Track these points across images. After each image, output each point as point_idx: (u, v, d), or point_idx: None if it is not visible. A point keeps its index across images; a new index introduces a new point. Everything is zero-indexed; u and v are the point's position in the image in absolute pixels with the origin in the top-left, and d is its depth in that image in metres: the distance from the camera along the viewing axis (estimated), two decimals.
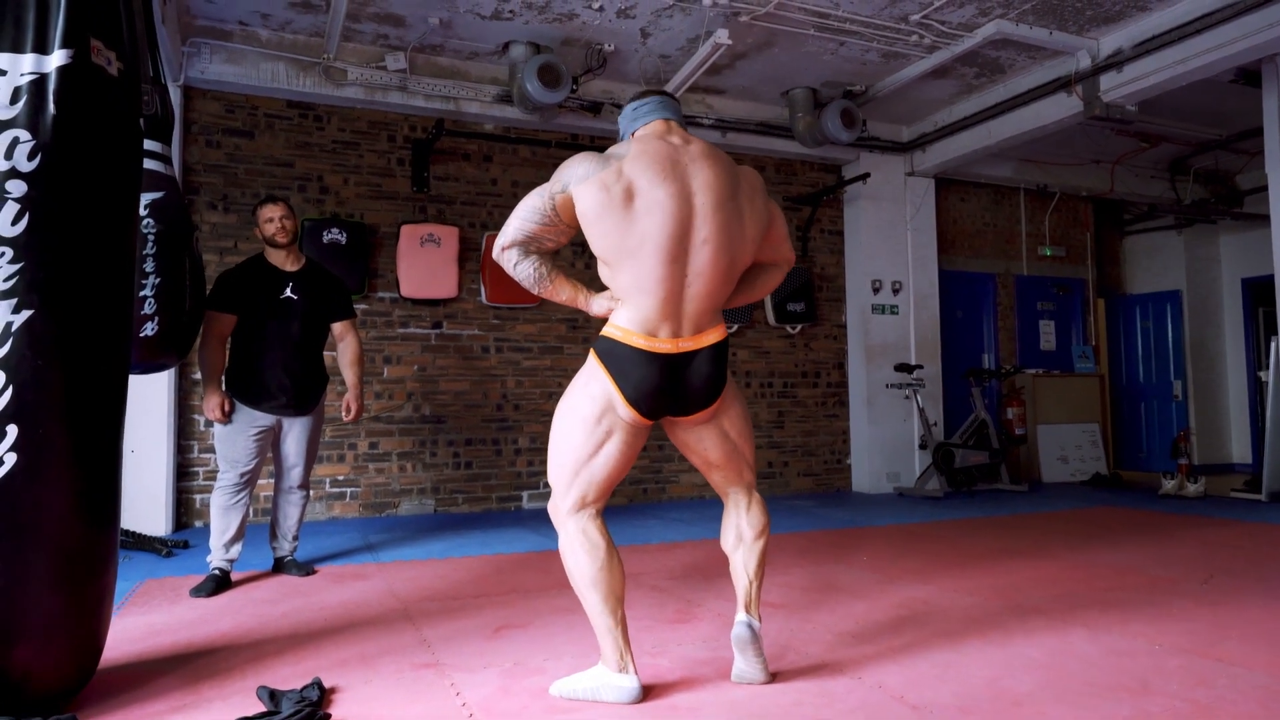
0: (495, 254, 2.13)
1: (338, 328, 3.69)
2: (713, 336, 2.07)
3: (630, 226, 1.98)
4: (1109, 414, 8.31)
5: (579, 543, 2.06)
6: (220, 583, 3.34)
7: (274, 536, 3.68)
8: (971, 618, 2.77)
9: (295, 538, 3.68)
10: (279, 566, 3.67)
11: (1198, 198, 8.21)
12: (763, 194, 2.17)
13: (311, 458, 3.66)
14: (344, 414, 3.70)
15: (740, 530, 2.21)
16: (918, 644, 2.48)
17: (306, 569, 3.65)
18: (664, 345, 2.01)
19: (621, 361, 2.02)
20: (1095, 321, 8.53)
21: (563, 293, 2.15)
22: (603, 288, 2.17)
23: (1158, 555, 3.85)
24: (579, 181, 2.01)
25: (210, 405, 3.40)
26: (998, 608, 2.90)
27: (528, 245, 2.09)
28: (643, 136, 2.10)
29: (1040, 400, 7.68)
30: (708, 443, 2.17)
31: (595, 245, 2.04)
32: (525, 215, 2.08)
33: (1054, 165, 7.73)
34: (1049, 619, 2.74)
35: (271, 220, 3.50)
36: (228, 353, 3.53)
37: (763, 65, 5.81)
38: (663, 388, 2.03)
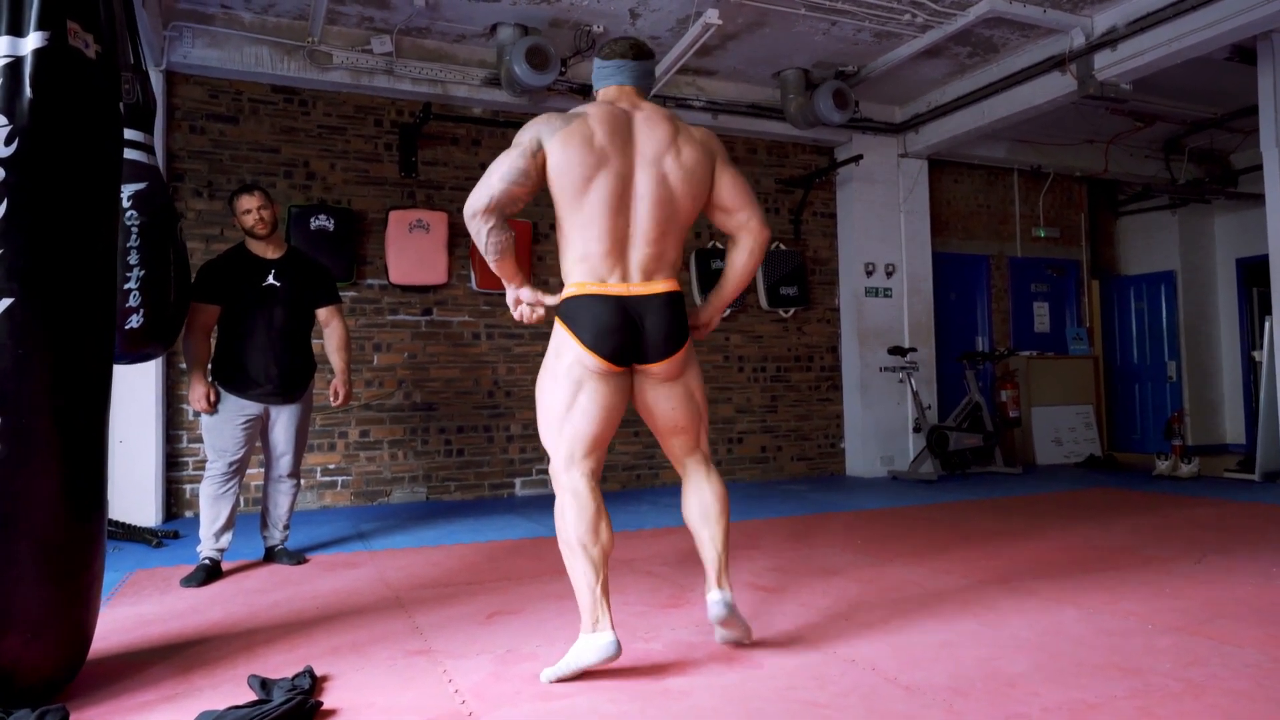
0: (473, 216, 2.12)
1: (323, 314, 3.66)
2: (663, 285, 2.17)
3: (584, 179, 2.10)
4: (1103, 396, 8.32)
5: (569, 502, 2.11)
6: (210, 572, 3.32)
7: (264, 526, 3.66)
8: (965, 599, 2.77)
9: (286, 527, 3.66)
10: (270, 556, 3.65)
11: (1192, 177, 8.19)
12: (706, 153, 2.23)
13: (301, 446, 3.64)
14: (331, 399, 3.67)
15: (705, 505, 2.25)
16: (911, 626, 2.48)
17: (298, 558, 3.64)
18: (615, 288, 2.12)
19: (578, 311, 2.12)
20: (1089, 303, 8.53)
21: (508, 269, 2.23)
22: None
23: (1151, 536, 3.86)
24: (550, 135, 2.12)
25: (196, 395, 3.37)
26: (991, 589, 2.90)
27: (505, 208, 2.13)
28: (599, 102, 2.24)
29: (1034, 382, 7.68)
30: (675, 401, 2.23)
31: (556, 193, 2.15)
32: (508, 176, 2.11)
33: (1048, 146, 7.70)
34: (1042, 600, 2.74)
35: (249, 211, 3.45)
36: (213, 342, 3.49)
37: (754, 46, 5.75)
38: (618, 326, 2.10)
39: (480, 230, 2.12)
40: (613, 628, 2.04)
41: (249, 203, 3.45)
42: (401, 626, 2.61)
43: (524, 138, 2.13)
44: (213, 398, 3.39)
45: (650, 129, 2.17)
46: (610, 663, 2.04)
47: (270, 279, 3.47)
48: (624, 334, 2.10)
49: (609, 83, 2.27)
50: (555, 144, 2.10)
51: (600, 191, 2.10)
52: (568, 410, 2.14)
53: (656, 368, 2.17)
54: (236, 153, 5.33)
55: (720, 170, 2.26)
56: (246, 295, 3.44)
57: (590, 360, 2.11)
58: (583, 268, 2.13)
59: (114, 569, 3.49)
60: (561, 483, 2.15)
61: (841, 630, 2.46)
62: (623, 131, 2.14)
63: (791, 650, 2.28)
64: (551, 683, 2.05)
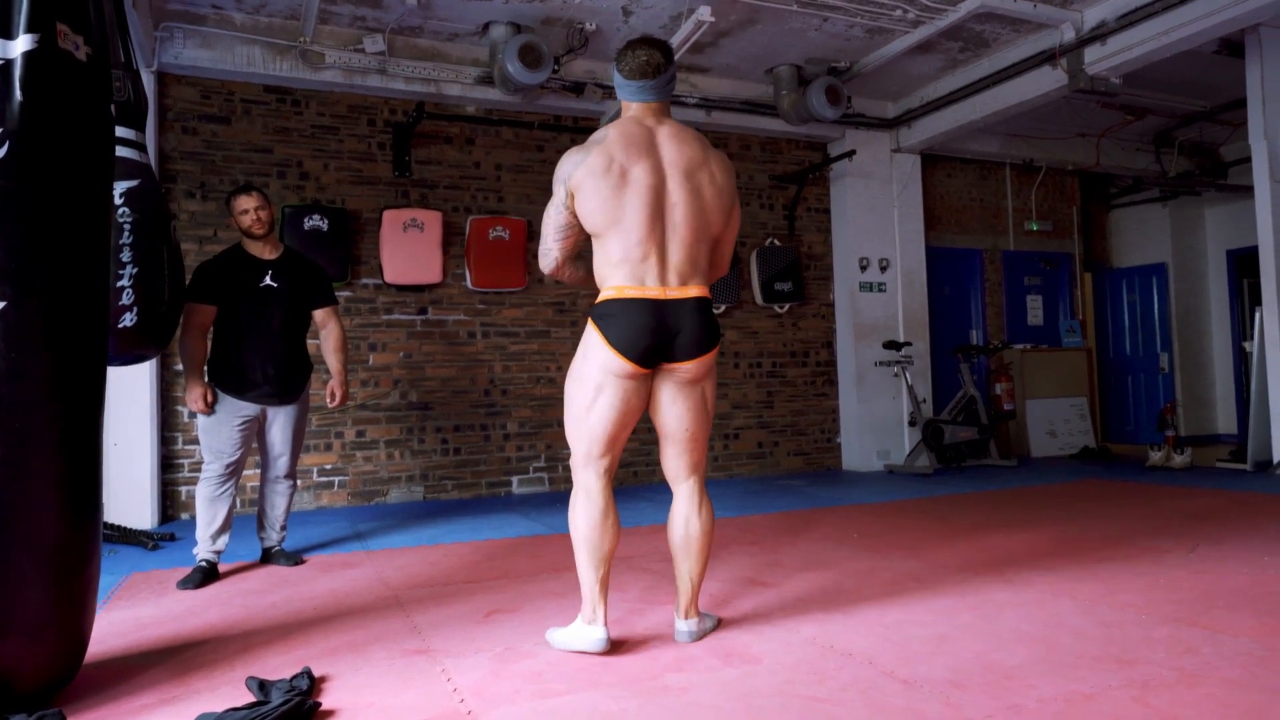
0: (549, 273, 2.36)
1: (319, 315, 3.65)
2: (696, 290, 2.26)
3: (617, 198, 2.20)
4: (1096, 387, 8.36)
5: (581, 499, 2.27)
6: (207, 574, 3.32)
7: (261, 527, 3.65)
8: (961, 592, 2.79)
9: (283, 528, 3.66)
10: (267, 557, 3.65)
11: (1182, 170, 8.22)
12: (731, 185, 2.35)
13: (298, 447, 3.63)
14: (329, 400, 3.66)
15: (689, 537, 2.34)
16: (909, 619, 2.49)
17: (295, 559, 3.63)
18: (653, 292, 2.21)
19: (612, 314, 2.20)
20: (1082, 295, 8.56)
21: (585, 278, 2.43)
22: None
23: (1145, 526, 3.89)
24: (570, 175, 2.23)
25: (193, 396, 3.36)
26: (987, 582, 2.92)
27: (571, 257, 2.34)
28: (620, 122, 2.31)
29: (1028, 375, 7.71)
30: (691, 403, 2.31)
31: (589, 222, 2.25)
32: (557, 235, 2.30)
33: (1040, 140, 7.72)
34: (1038, 591, 2.76)
35: (246, 212, 3.44)
36: (209, 343, 3.49)
37: (746, 42, 5.76)
38: (652, 328, 2.18)
39: (565, 279, 2.40)
40: (605, 624, 2.24)
41: (246, 203, 3.45)
42: (400, 626, 2.61)
43: (556, 188, 2.27)
44: (210, 398, 3.38)
45: (679, 144, 2.26)
46: (598, 655, 2.22)
47: (267, 279, 3.46)
48: (656, 336, 2.19)
49: (633, 100, 2.32)
50: (576, 182, 2.22)
51: (634, 203, 2.19)
52: (587, 411, 2.25)
53: (685, 366, 2.25)
54: (229, 153, 5.31)
55: (732, 210, 2.38)
56: (243, 296, 3.43)
57: (616, 363, 2.19)
58: (622, 271, 2.21)
59: (110, 572, 3.48)
60: (578, 478, 2.30)
61: (839, 624, 2.47)
62: (645, 147, 2.23)
63: (789, 645, 2.29)
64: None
